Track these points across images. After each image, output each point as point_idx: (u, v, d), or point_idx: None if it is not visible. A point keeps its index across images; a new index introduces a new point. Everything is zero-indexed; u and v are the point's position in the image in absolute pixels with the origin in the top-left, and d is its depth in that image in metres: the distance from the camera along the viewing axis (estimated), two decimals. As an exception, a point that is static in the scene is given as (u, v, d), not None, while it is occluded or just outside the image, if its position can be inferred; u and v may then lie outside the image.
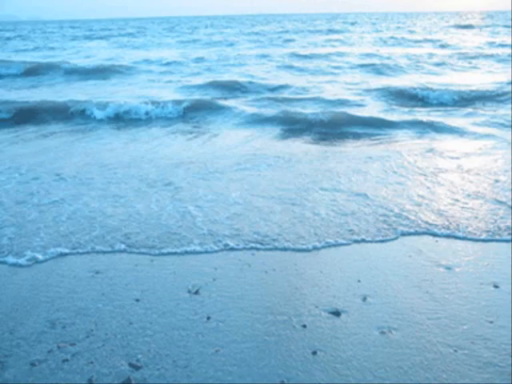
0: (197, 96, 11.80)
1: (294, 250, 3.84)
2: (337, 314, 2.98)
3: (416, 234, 4.08)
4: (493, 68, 16.47)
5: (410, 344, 2.70)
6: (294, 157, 6.49)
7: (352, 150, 6.97)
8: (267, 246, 3.88)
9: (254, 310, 3.04)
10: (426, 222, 4.26)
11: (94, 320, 2.94)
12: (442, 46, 25.10)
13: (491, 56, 19.58)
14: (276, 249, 3.86)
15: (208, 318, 2.94)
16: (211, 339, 2.75)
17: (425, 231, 4.11)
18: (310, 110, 9.57)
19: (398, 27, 49.83)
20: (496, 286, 3.27)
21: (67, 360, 2.58)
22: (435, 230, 4.11)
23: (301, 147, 7.15)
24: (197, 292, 3.24)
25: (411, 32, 39.65)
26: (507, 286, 3.27)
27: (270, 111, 9.67)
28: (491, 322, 2.87)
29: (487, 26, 46.38)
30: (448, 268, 3.53)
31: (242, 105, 10.53)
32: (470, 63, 17.83)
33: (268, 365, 2.55)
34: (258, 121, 9.06)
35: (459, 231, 4.09)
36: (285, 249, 3.85)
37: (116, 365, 2.55)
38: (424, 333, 2.79)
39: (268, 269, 3.55)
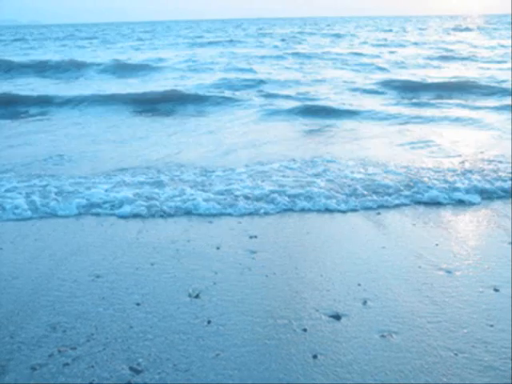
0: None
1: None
2: (337, 317, 2.98)
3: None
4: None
5: (410, 348, 2.70)
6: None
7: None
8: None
9: (254, 313, 3.04)
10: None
11: (94, 324, 2.94)
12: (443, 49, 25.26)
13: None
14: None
15: (208, 322, 2.94)
16: (212, 343, 2.75)
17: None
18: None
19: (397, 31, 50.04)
20: (496, 290, 3.27)
21: (68, 364, 2.58)
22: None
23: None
24: (197, 296, 3.24)
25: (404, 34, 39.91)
26: (507, 289, 3.27)
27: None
28: (492, 326, 2.88)
29: (495, 29, 46.85)
30: (448, 271, 3.53)
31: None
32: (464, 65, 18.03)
33: (268, 368, 2.55)
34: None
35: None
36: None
37: (117, 369, 2.55)
38: (424, 336, 2.79)
39: (268, 272, 3.55)
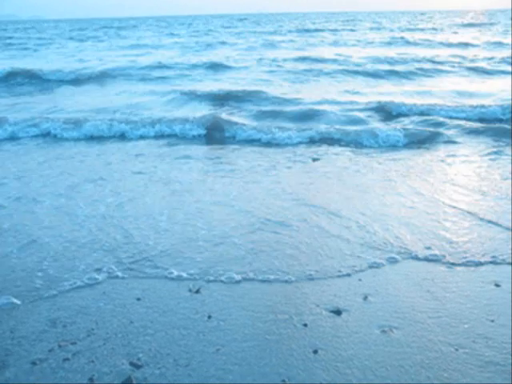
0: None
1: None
2: (338, 312, 2.98)
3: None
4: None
5: (410, 343, 2.69)
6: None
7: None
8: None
9: (254, 308, 3.03)
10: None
11: (94, 319, 2.94)
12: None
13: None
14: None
15: (209, 317, 2.94)
16: (212, 338, 2.75)
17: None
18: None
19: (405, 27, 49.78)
20: (497, 285, 3.26)
21: (68, 359, 2.58)
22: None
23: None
24: (198, 291, 3.24)
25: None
26: (508, 284, 3.27)
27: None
28: (492, 321, 2.87)
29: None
30: (449, 267, 3.52)
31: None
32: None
33: (269, 364, 2.54)
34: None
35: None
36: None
37: (117, 364, 2.55)
38: (425, 331, 2.79)
39: (269, 268, 3.54)
